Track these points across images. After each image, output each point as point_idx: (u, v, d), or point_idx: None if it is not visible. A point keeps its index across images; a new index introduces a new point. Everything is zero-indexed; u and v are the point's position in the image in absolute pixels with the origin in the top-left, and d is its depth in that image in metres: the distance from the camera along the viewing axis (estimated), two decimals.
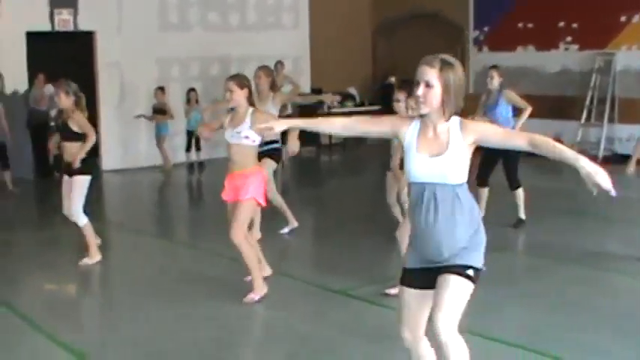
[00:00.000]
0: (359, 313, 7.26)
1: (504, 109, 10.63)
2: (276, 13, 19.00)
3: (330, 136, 20.21)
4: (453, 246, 4.37)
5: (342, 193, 14.46)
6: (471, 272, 4.38)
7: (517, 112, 10.73)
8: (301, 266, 9.20)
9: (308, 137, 19.29)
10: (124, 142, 16.89)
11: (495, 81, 10.68)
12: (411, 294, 4.56)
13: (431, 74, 4.34)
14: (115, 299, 8.07)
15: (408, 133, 4.48)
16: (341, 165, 18.77)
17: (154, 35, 17.04)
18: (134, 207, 13.58)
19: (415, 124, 4.49)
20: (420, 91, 4.34)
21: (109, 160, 16.75)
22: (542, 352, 6.08)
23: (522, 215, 10.58)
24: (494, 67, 11.05)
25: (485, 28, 19.47)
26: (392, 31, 21.42)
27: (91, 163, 9.11)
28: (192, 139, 16.70)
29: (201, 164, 16.89)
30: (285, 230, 10.33)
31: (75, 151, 8.73)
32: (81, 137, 8.75)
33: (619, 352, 6.15)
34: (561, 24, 18.00)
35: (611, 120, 17.00)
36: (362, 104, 20.90)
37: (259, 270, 7.61)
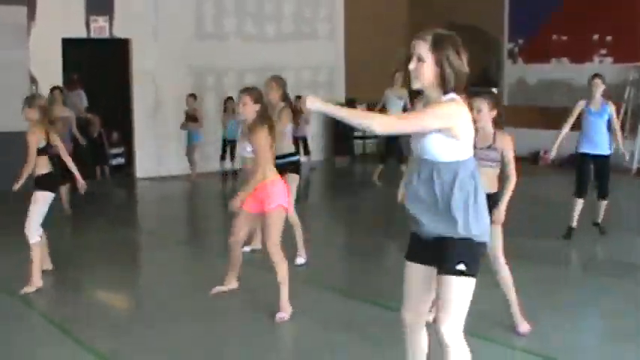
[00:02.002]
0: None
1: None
2: (312, 23, 19.10)
3: (364, 146, 20.26)
4: (446, 220, 4.30)
5: (374, 204, 14.46)
6: (462, 267, 4.27)
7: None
8: (330, 277, 9.07)
9: (341, 148, 19.47)
10: (157, 150, 17.01)
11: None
12: (412, 268, 4.52)
13: (423, 48, 4.26)
14: (146, 309, 7.97)
15: (418, 109, 4.57)
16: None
17: (190, 44, 17.17)
18: (167, 215, 13.56)
19: (421, 102, 4.54)
20: (413, 65, 4.29)
21: (142, 168, 16.90)
22: None
23: (599, 222, 10.64)
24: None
25: (520, 40, 19.46)
26: None
27: (54, 180, 8.54)
28: (228, 147, 16.81)
29: (235, 173, 16.98)
30: (301, 262, 9.26)
31: (40, 164, 8.27)
32: (44, 150, 8.31)
33: None
34: (595, 37, 17.95)
35: None
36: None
37: (287, 287, 7.32)
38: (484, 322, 6.61)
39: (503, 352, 6.36)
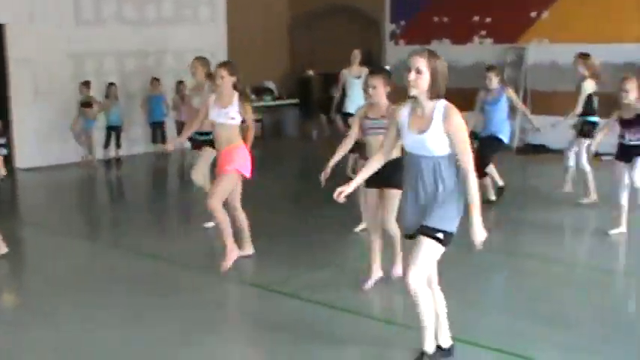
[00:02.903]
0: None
1: (503, 110, 11.60)
2: (192, 6, 18.82)
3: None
4: (432, 206, 5.37)
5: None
6: (441, 236, 5.34)
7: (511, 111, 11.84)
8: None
9: None
10: (39, 139, 16.50)
11: (494, 82, 11.59)
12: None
13: (421, 62, 5.28)
14: (27, 300, 7.89)
15: (402, 115, 5.49)
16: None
17: (68, 29, 16.71)
18: (51, 206, 13.12)
19: (407, 107, 5.49)
20: (412, 76, 5.27)
21: (23, 159, 16.36)
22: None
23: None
24: (491, 68, 11.93)
25: (402, 22, 19.66)
26: (309, 25, 21.46)
27: None
28: (112, 135, 16.55)
29: (118, 160, 16.73)
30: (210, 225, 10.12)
31: None
32: None
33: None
34: (475, 18, 18.29)
35: None
36: (280, 98, 20.90)
37: (232, 237, 8.33)
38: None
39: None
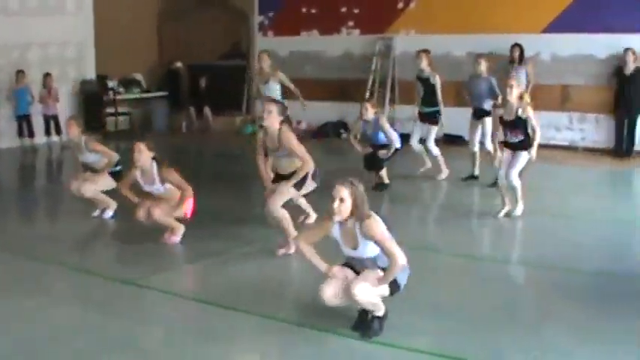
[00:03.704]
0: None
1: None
2: None
3: (117, 122, 19.86)
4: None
5: None
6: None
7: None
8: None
9: (94, 124, 18.96)
10: None
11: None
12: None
13: (343, 192, 5.82)
14: None
15: (334, 232, 6.09)
16: None
17: None
18: None
19: (336, 226, 6.04)
20: (336, 204, 5.83)
21: None
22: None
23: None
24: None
25: (270, 14, 19.71)
26: (178, 17, 21.29)
27: None
28: None
29: None
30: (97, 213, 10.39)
31: None
32: None
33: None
34: (343, 9, 18.49)
35: (392, 101, 17.67)
36: (148, 90, 20.65)
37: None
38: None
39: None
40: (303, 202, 9.37)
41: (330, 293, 6.02)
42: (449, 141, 15.72)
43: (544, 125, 16.00)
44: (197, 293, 7.34)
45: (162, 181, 8.71)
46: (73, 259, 8.44)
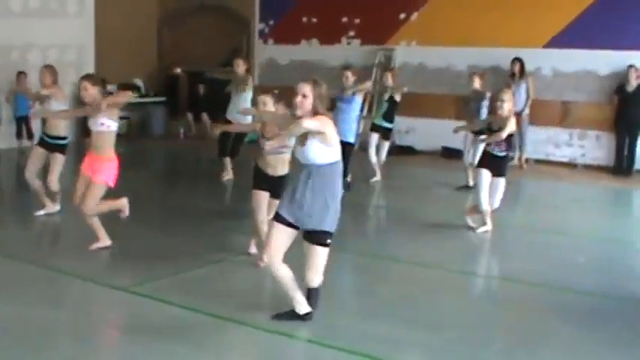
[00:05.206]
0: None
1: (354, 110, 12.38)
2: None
3: None
4: (312, 207, 6.18)
5: None
6: (328, 240, 6.28)
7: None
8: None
9: None
10: None
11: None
12: (279, 229, 6.33)
13: (306, 88, 6.15)
14: None
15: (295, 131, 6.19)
16: None
17: None
18: None
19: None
20: (298, 99, 6.14)
21: None
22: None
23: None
24: (347, 67, 13.32)
25: (271, 22, 19.66)
26: (178, 22, 21.23)
27: None
28: None
29: None
30: (42, 212, 10.54)
31: None
32: None
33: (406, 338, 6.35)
34: (344, 19, 18.45)
35: None
36: (147, 95, 20.58)
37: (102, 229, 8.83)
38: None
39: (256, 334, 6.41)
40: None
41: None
42: (448, 154, 15.64)
43: (543, 141, 16.10)
44: (189, 301, 7.23)
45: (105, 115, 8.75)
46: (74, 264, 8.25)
